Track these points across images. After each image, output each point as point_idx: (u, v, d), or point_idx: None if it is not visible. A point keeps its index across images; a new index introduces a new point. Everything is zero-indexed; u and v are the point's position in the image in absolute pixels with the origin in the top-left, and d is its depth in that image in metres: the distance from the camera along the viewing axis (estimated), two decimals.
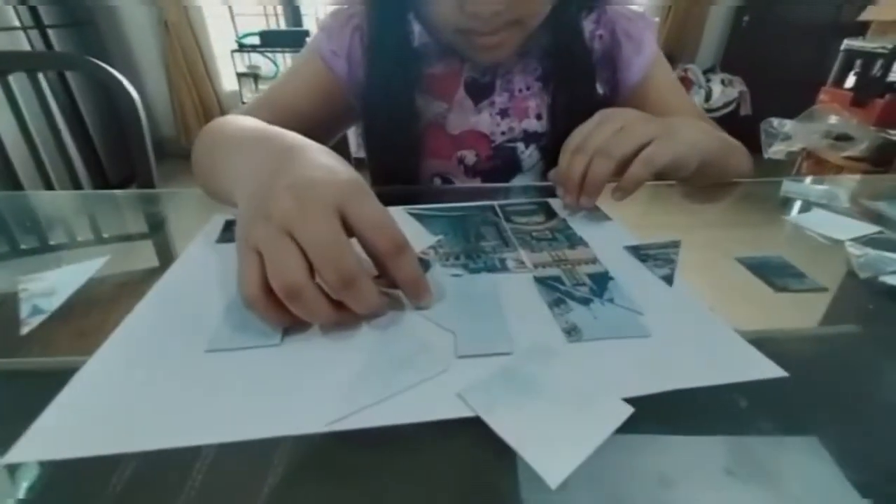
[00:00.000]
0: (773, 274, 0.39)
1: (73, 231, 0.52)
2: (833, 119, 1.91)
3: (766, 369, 0.27)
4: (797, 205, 0.55)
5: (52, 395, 0.25)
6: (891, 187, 0.66)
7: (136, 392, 0.26)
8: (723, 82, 2.86)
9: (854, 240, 0.44)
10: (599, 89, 0.63)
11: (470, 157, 0.65)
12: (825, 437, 0.24)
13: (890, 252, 0.41)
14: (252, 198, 0.31)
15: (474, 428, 0.23)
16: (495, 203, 0.51)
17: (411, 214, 0.48)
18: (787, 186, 0.60)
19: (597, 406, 0.25)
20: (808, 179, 0.62)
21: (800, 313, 0.37)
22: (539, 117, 0.63)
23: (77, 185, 0.92)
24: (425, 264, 0.39)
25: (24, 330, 0.33)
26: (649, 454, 0.23)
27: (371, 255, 0.31)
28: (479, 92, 0.63)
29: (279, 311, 0.28)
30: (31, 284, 0.38)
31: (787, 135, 1.93)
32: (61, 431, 0.23)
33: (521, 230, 0.45)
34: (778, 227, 0.52)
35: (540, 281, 0.36)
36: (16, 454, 0.22)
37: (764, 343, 0.29)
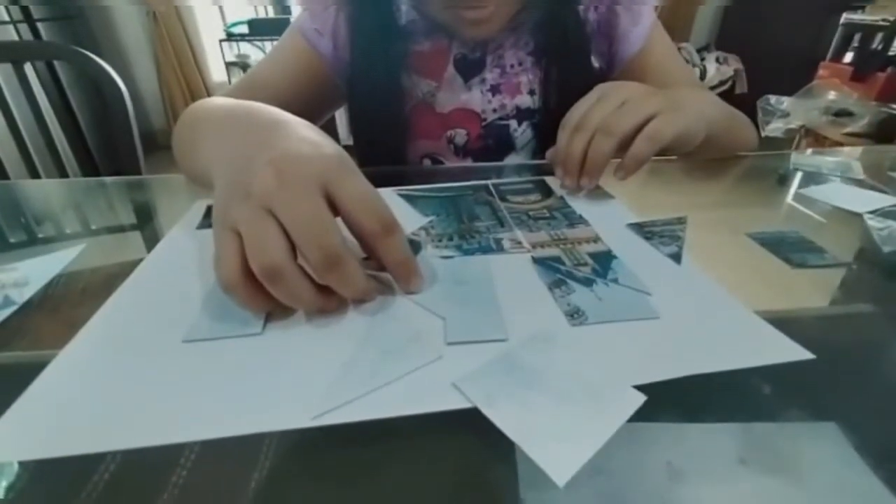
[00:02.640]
0: (790, 250, 0.37)
1: (52, 220, 0.50)
2: (832, 95, 1.89)
3: (790, 351, 0.25)
4: (809, 178, 0.53)
5: (20, 392, 0.24)
6: None
7: (107, 387, 0.24)
8: (717, 60, 2.83)
9: (873, 212, 0.42)
10: (595, 62, 0.61)
11: (460, 136, 0.63)
12: (844, 422, 0.22)
13: None
14: (230, 176, 0.30)
15: (469, 421, 0.22)
16: (489, 182, 0.49)
17: (401, 196, 0.46)
18: (797, 159, 0.57)
19: (606, 395, 0.23)
20: (809, 151, 0.60)
21: (819, 291, 0.35)
22: (532, 93, 0.61)
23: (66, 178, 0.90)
24: (415, 246, 0.37)
25: None
26: (656, 444, 0.21)
27: (358, 236, 0.30)
28: (470, 69, 0.61)
29: (260, 295, 0.27)
30: (2, 275, 0.36)
31: (785, 112, 1.91)
32: (27, 431, 0.22)
33: (517, 209, 0.43)
34: (788, 202, 0.50)
35: (538, 261, 0.35)
36: None
37: (782, 323, 0.27)
